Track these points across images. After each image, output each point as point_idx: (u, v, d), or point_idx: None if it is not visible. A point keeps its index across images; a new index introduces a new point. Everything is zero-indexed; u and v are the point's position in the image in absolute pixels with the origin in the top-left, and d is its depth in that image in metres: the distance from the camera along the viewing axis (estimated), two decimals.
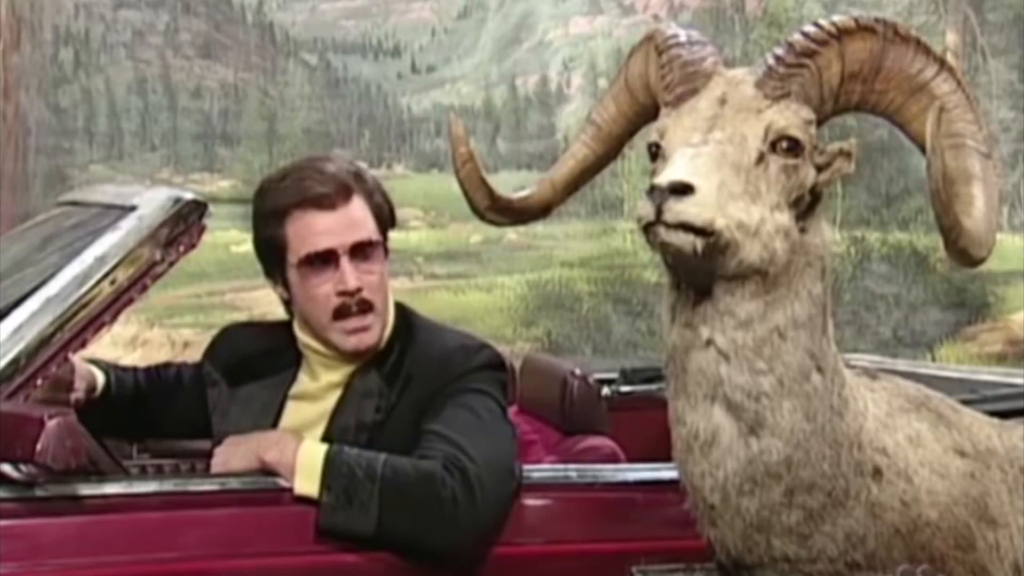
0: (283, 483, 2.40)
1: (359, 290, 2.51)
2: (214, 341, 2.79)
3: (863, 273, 7.00)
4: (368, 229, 2.54)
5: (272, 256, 2.58)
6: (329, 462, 2.34)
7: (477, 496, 2.32)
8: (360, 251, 2.53)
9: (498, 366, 2.57)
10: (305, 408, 2.58)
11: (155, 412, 2.79)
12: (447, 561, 2.35)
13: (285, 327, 2.66)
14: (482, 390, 2.49)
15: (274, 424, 2.57)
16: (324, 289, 2.52)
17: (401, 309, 2.63)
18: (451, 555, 2.35)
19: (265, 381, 2.62)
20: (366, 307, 2.53)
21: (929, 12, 7.10)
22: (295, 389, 2.61)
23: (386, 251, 2.59)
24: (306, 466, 2.34)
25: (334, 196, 2.52)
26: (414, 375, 2.51)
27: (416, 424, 2.46)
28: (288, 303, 2.62)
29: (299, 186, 2.53)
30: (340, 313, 2.52)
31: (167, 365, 2.88)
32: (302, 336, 2.60)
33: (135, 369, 2.85)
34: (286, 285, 2.58)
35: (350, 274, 2.51)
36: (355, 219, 2.53)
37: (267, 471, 2.38)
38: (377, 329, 2.55)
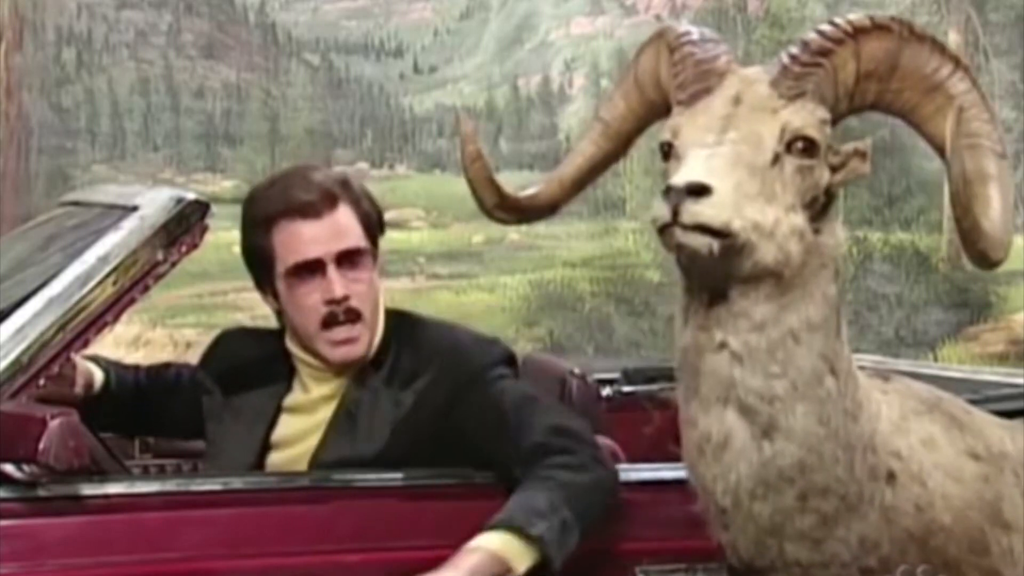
0: (284, 483, 2.40)
1: (346, 298, 2.49)
2: (210, 347, 2.78)
3: (865, 273, 7.00)
4: (355, 236, 2.52)
5: (260, 266, 2.56)
6: (519, 533, 2.27)
7: (599, 452, 2.39)
8: (347, 259, 2.51)
9: (512, 361, 2.58)
10: (297, 421, 2.57)
11: (154, 411, 2.78)
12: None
13: (280, 336, 2.65)
14: (514, 380, 2.53)
15: (267, 435, 2.56)
16: (312, 299, 2.50)
17: (395, 312, 2.61)
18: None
19: (259, 390, 2.60)
20: (354, 316, 2.50)
21: (931, 12, 7.11)
22: (288, 401, 2.59)
23: (375, 258, 2.57)
24: (510, 552, 2.25)
25: (319, 204, 2.50)
26: (423, 370, 2.50)
27: (443, 416, 2.45)
28: (280, 314, 2.61)
29: (284, 195, 2.51)
30: (327, 322, 2.50)
31: (167, 365, 2.88)
32: (292, 348, 2.58)
33: (136, 367, 2.85)
34: (276, 295, 2.57)
35: (337, 282, 2.49)
36: (342, 227, 2.51)
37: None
38: (365, 340, 2.52)
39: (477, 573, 2.22)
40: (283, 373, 2.61)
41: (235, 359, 2.68)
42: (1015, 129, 6.95)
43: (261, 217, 2.53)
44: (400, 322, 2.60)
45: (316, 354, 2.54)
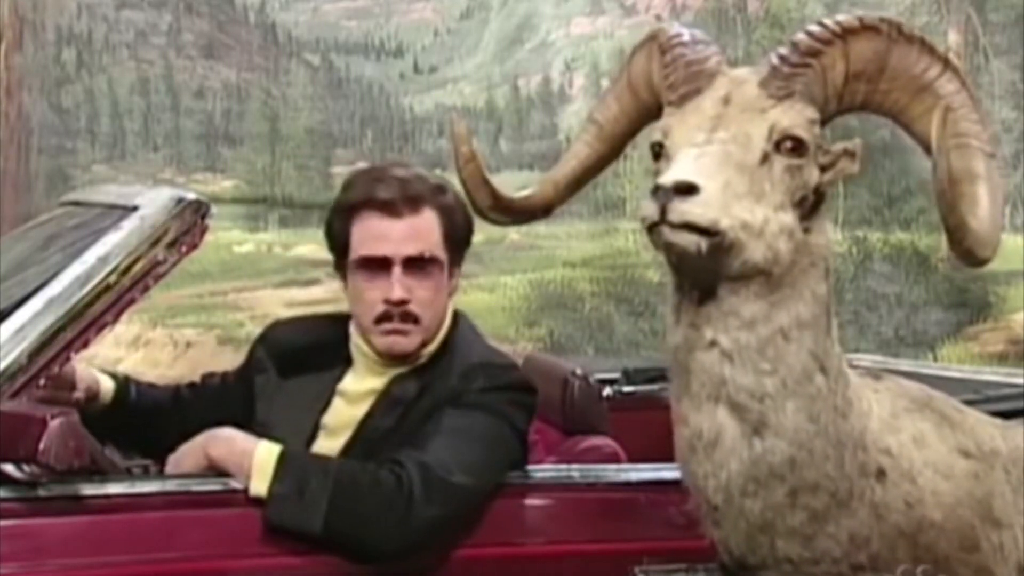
0: None
1: (404, 302, 2.50)
2: (265, 332, 2.78)
3: (865, 273, 7.01)
4: (430, 243, 2.52)
5: (338, 250, 2.59)
6: (282, 459, 2.33)
7: (434, 505, 2.31)
8: (416, 264, 2.51)
9: (521, 388, 2.54)
10: (345, 408, 2.57)
11: (185, 426, 2.64)
12: (390, 563, 2.33)
13: (341, 322, 2.65)
14: (497, 410, 2.46)
15: (319, 417, 2.56)
16: (372, 294, 2.52)
17: (455, 321, 2.61)
18: (391, 559, 2.32)
19: (317, 375, 2.62)
20: (409, 319, 2.51)
21: (931, 12, 7.11)
22: (342, 384, 2.60)
23: (452, 269, 2.56)
24: (261, 466, 2.32)
25: (400, 204, 2.51)
26: (438, 387, 2.50)
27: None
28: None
29: (370, 187, 2.53)
30: (381, 319, 2.52)
31: (211, 375, 2.84)
32: (354, 335, 2.61)
33: (168, 387, 2.82)
34: (346, 279, 2.59)
35: (398, 285, 2.50)
36: (419, 231, 2.52)
37: (216, 470, 2.36)
38: (416, 338, 2.53)
39: (222, 458, 2.36)
40: (341, 358, 2.62)
41: (294, 343, 2.69)
42: (1015, 129, 6.95)
43: (346, 203, 2.56)
44: (452, 333, 2.60)
45: (370, 344, 2.56)
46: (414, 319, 2.52)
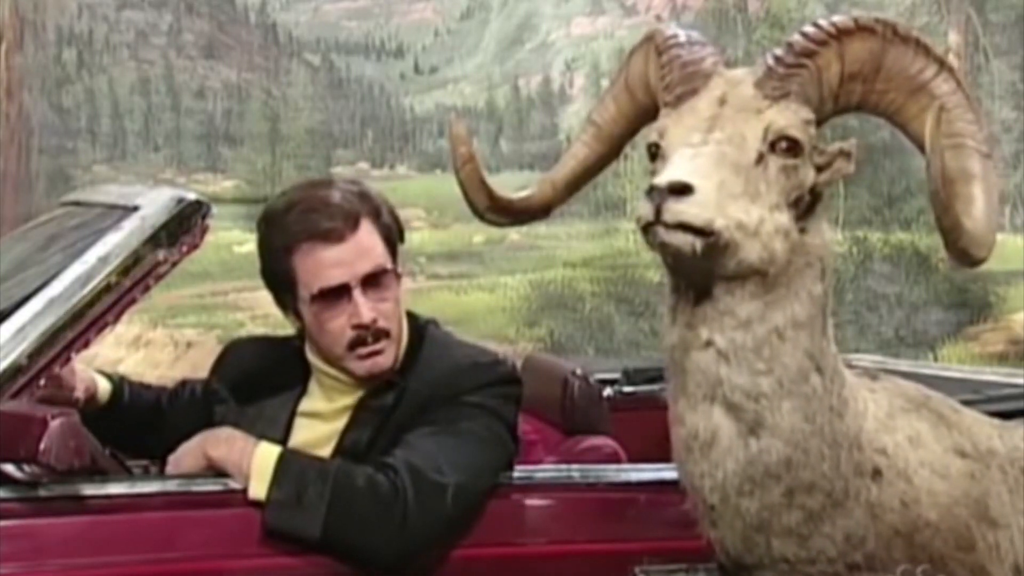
0: None
1: (374, 321, 2.49)
2: (219, 357, 2.77)
3: (865, 273, 7.01)
4: (378, 255, 2.51)
5: (282, 289, 2.56)
6: (281, 462, 2.34)
7: (428, 507, 2.32)
8: (372, 280, 2.50)
9: (510, 381, 2.55)
10: (317, 427, 2.56)
11: (171, 429, 2.71)
12: (389, 569, 2.33)
13: (291, 342, 2.64)
14: (486, 407, 2.47)
15: (283, 440, 2.54)
16: (338, 322, 2.49)
17: (415, 326, 2.61)
18: (390, 565, 2.33)
19: (273, 397, 2.61)
20: (382, 335, 2.50)
21: (931, 12, 7.11)
22: (305, 406, 2.59)
23: (397, 273, 2.55)
24: (260, 468, 2.33)
25: (342, 228, 2.48)
26: (421, 392, 2.49)
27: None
28: (302, 330, 2.61)
29: (305, 220, 2.49)
30: (355, 344, 2.50)
31: (184, 383, 2.86)
32: (315, 361, 2.58)
33: (161, 388, 2.84)
34: (298, 315, 2.56)
35: (364, 307, 2.48)
36: (364, 248, 2.50)
37: (216, 470, 2.38)
38: (391, 352, 2.52)
39: (221, 458, 2.37)
40: (297, 378, 2.61)
41: (247, 368, 2.68)
42: (1015, 129, 6.96)
43: (281, 243, 2.51)
44: (418, 337, 2.59)
45: (343, 369, 2.54)
46: (386, 334, 2.50)
